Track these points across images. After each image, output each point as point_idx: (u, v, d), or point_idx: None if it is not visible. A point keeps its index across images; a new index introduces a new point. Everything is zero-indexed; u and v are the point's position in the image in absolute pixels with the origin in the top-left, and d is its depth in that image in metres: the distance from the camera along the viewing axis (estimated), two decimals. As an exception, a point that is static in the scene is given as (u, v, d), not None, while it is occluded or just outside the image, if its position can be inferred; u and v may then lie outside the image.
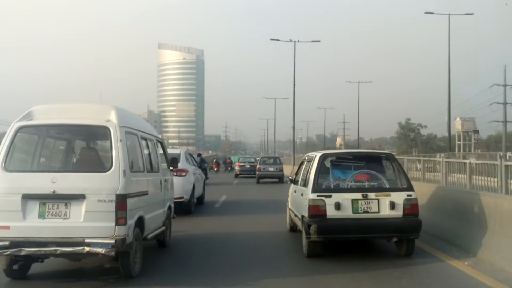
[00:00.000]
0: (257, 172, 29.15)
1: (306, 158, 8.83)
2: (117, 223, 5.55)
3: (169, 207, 8.34)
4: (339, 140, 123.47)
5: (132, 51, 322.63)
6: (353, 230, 6.99)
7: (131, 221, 5.81)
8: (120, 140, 5.78)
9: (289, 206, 9.56)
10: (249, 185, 26.57)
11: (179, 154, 13.42)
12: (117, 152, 5.72)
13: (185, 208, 12.58)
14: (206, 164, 29.90)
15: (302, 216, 7.51)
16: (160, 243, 8.06)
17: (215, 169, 46.24)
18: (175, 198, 11.94)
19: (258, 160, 34.21)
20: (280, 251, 8.21)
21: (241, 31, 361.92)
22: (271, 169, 28.59)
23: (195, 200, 14.02)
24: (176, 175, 11.90)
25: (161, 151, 8.20)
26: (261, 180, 28.22)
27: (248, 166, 34.57)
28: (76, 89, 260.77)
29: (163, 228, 7.77)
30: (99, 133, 6.32)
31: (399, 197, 7.03)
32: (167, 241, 8.23)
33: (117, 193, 5.59)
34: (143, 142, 6.92)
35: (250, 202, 16.81)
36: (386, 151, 9.28)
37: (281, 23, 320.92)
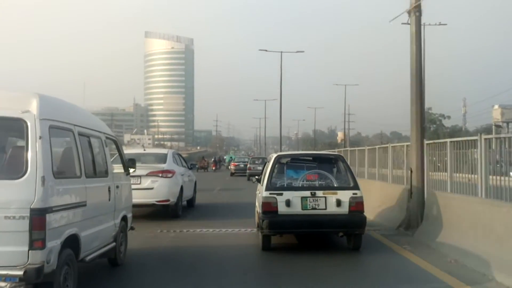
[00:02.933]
0: (247, 171, 35.19)
1: (268, 159, 9.80)
2: (31, 247, 4.57)
3: (124, 218, 7.57)
4: (340, 135, 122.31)
5: (117, 40, 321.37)
6: (302, 225, 8.08)
7: (55, 243, 4.89)
8: (40, 137, 4.81)
9: (256, 204, 10.57)
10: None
11: (166, 154, 13.30)
12: (34, 153, 4.75)
13: (172, 211, 12.61)
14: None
15: (259, 212, 8.57)
16: (111, 262, 7.22)
17: (213, 168, 52.78)
18: (160, 201, 12.01)
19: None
20: (248, 246, 9.13)
21: (233, 19, 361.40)
22: (260, 167, 33.87)
23: (184, 203, 13.82)
24: (161, 177, 11.91)
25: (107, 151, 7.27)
26: (251, 177, 31.71)
27: (242, 165, 40.17)
28: (58, 79, 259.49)
29: (114, 244, 6.96)
30: (12, 127, 5.16)
31: (345, 195, 8.07)
32: (121, 259, 7.38)
33: (31, 207, 4.61)
34: (83, 140, 6.01)
35: (239, 203, 17.60)
36: (336, 153, 10.27)
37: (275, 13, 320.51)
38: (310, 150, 70.17)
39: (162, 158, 13.20)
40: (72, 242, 5.34)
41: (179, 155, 15.42)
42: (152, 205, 12.39)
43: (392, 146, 13.76)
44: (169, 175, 12.40)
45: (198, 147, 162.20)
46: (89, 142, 6.25)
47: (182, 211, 13.26)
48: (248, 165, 36.81)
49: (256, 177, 10.49)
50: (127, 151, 16.58)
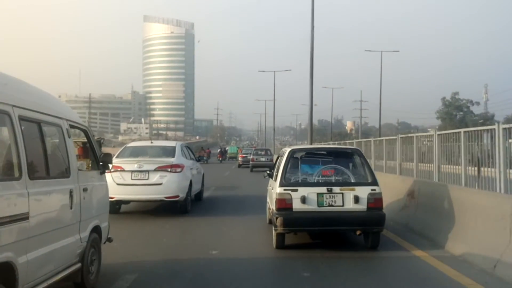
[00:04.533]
0: (250, 162, 36.37)
1: (280, 153, 9.82)
2: None
3: (96, 229, 6.16)
4: (349, 125, 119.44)
5: (115, 25, 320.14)
6: (318, 222, 8.02)
7: None
8: None
9: (268, 200, 10.55)
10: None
11: (174, 147, 13.26)
12: None
13: (181, 207, 12.60)
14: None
15: (272, 209, 8.57)
16: (78, 286, 5.79)
17: (220, 158, 56.34)
18: (169, 197, 12.08)
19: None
20: (257, 243, 9.13)
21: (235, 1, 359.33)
22: (263, 159, 35.77)
23: (193, 197, 13.94)
24: (170, 171, 11.93)
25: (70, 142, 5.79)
26: (254, 169, 34.35)
27: (249, 157, 41.39)
28: (54, 66, 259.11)
29: (79, 265, 5.58)
30: None
31: (363, 191, 8.03)
32: (91, 281, 5.95)
33: None
34: (29, 128, 4.65)
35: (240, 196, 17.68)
36: (353, 147, 10.34)
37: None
38: (319, 141, 68.27)
39: (170, 152, 13.10)
40: (4, 274, 4.01)
41: (187, 147, 15.38)
42: (161, 201, 12.43)
43: (401, 137, 13.70)
44: (178, 169, 12.31)
45: (198, 137, 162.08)
46: (40, 131, 4.83)
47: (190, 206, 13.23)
48: (251, 156, 37.54)
49: (268, 171, 10.41)
50: (135, 143, 16.61)
